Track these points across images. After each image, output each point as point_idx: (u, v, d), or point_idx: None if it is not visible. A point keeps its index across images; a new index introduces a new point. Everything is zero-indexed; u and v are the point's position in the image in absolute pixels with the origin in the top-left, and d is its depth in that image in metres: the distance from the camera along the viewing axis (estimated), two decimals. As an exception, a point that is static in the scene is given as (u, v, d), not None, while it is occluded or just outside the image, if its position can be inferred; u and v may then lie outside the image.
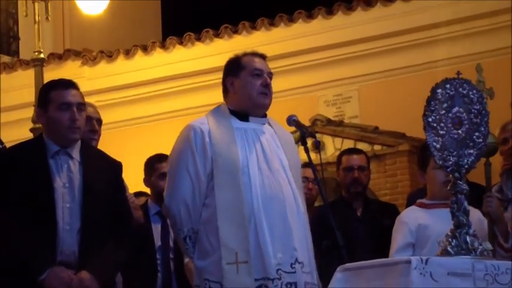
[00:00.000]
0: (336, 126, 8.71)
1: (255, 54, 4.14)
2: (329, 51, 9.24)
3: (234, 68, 4.06)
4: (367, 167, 5.52)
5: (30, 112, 7.32)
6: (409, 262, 3.43)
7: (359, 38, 9.07)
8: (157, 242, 4.99)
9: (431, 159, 4.36)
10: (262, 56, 4.13)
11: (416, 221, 4.66)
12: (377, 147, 8.44)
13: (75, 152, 3.98)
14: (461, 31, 8.65)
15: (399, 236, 4.68)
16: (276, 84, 4.08)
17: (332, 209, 4.65)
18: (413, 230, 4.66)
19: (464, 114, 3.74)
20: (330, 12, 9.24)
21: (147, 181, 5.06)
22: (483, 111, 3.79)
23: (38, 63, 7.48)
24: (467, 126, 3.74)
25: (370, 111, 9.08)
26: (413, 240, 4.64)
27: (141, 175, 4.99)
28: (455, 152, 3.73)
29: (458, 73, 3.80)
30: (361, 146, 7.90)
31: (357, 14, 9.10)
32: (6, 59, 11.10)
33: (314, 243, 4.31)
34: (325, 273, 4.24)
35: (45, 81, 5.41)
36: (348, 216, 5.48)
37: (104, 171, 4.07)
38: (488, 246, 3.84)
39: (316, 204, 5.71)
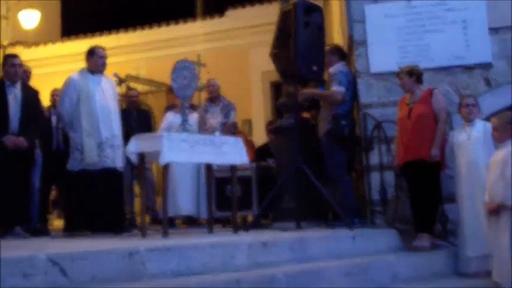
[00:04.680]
0: (135, 78, 12.30)
1: (99, 47, 6.55)
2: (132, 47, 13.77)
3: (90, 52, 6.50)
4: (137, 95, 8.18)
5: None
6: (162, 135, 5.44)
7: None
8: (54, 124, 7.43)
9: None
10: (103, 48, 6.55)
11: (171, 119, 7.28)
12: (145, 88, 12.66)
13: (18, 85, 6.30)
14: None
15: (163, 125, 7.54)
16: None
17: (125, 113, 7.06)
18: (167, 123, 7.36)
19: (188, 73, 5.94)
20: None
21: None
22: (194, 74, 5.98)
23: None
24: (188, 79, 5.96)
25: (152, 73, 13.17)
26: (169, 125, 7.24)
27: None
28: (184, 90, 5.94)
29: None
30: (147, 86, 11.70)
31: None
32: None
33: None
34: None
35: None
36: (128, 116, 7.58)
37: (31, 93, 6.37)
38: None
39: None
